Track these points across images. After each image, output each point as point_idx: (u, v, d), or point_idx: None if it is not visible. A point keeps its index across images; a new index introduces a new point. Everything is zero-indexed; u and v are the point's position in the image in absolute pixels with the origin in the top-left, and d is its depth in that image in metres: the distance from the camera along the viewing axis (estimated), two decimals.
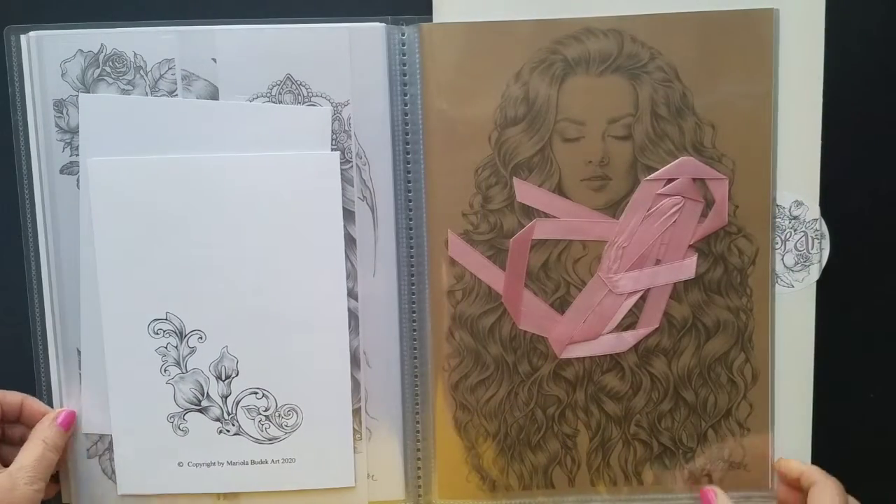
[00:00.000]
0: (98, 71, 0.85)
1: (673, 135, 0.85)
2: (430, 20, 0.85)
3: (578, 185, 0.85)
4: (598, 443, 0.89)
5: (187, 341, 0.88)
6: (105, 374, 0.88)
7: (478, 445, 0.89)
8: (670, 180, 0.85)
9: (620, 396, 0.88)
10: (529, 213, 0.86)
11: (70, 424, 0.87)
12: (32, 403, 0.87)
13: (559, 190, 0.85)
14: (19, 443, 0.86)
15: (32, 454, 0.82)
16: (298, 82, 0.85)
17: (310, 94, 0.85)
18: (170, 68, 0.85)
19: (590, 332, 0.87)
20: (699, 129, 0.84)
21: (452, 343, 0.88)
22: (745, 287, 0.87)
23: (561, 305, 0.87)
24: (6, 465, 0.83)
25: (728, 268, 0.86)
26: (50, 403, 0.89)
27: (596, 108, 0.84)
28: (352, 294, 0.88)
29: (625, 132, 0.84)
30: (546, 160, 0.85)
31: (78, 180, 0.86)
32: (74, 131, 0.85)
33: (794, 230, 0.87)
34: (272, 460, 0.89)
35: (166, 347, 0.87)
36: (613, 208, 0.85)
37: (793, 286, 0.87)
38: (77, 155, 0.85)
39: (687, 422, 0.88)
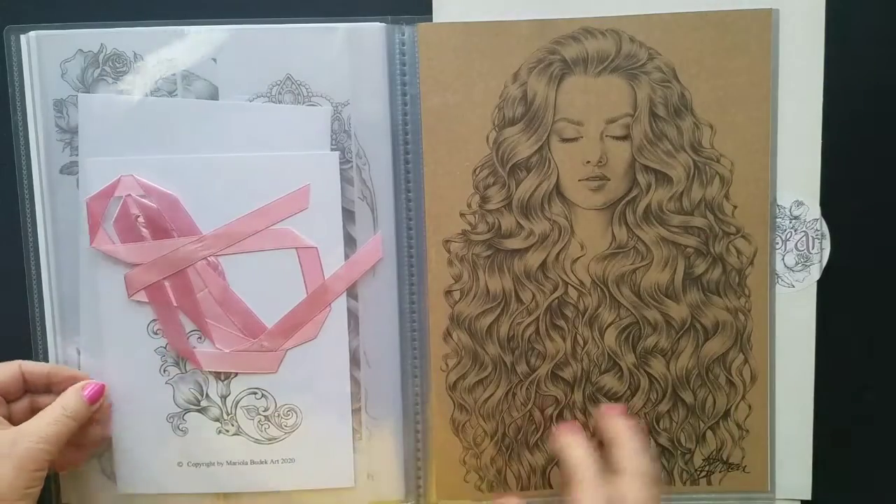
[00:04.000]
0: (98, 71, 0.85)
1: (671, 135, 0.84)
2: (431, 20, 0.85)
3: (577, 185, 0.85)
4: (595, 443, 0.89)
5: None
6: (105, 374, 0.88)
7: (476, 445, 0.89)
8: None
9: (619, 397, 0.88)
10: (528, 214, 0.86)
11: (97, 398, 0.85)
12: (60, 371, 0.86)
13: (557, 190, 0.85)
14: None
15: (48, 416, 0.81)
16: (298, 82, 0.85)
17: (310, 94, 0.85)
18: (170, 68, 0.85)
19: None
20: (697, 129, 0.84)
21: (450, 343, 0.88)
22: (744, 288, 0.86)
23: (559, 306, 0.87)
24: None
25: (726, 268, 0.86)
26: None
27: (594, 108, 0.84)
28: (352, 294, 0.88)
29: (623, 132, 0.84)
30: (544, 160, 0.85)
31: (78, 180, 0.86)
32: (74, 131, 0.85)
33: (795, 230, 0.87)
34: (272, 460, 0.89)
35: (165, 348, 0.87)
36: (612, 208, 0.86)
37: (793, 286, 0.87)
38: (77, 155, 0.85)
39: (685, 423, 0.88)
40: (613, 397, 0.88)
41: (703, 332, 0.87)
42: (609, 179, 0.85)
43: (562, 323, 0.87)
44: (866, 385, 0.90)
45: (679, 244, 0.86)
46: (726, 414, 0.88)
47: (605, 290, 0.87)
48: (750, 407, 0.88)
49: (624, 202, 0.86)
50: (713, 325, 0.87)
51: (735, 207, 0.86)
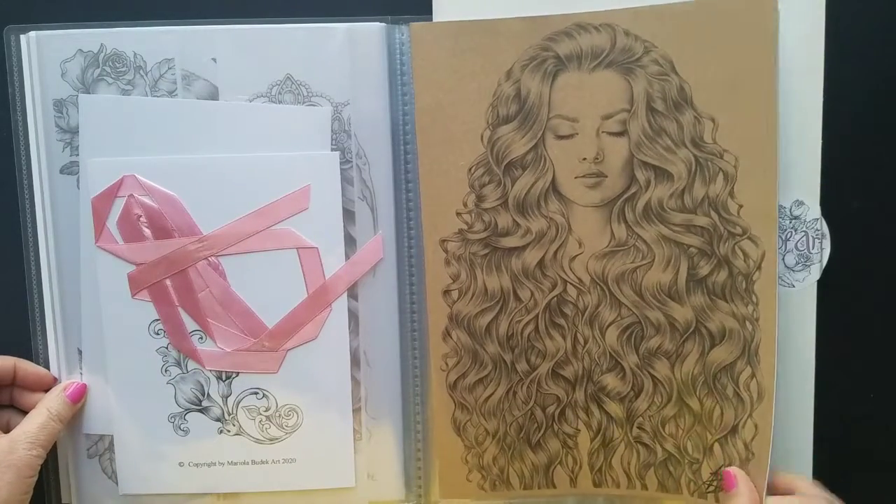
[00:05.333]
0: (98, 71, 0.85)
1: (671, 130, 0.83)
2: (431, 20, 0.85)
3: (573, 182, 0.85)
4: (599, 443, 0.88)
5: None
6: (106, 374, 0.88)
7: (478, 444, 0.89)
8: None
9: (622, 397, 0.87)
10: (524, 212, 0.85)
11: (79, 397, 0.88)
12: (26, 366, 0.88)
13: (554, 187, 0.85)
14: (9, 405, 0.89)
15: (35, 421, 0.84)
16: (298, 82, 0.85)
17: (310, 94, 0.85)
18: (170, 68, 0.85)
19: None
20: (698, 123, 0.83)
21: (449, 342, 0.87)
22: (751, 294, 0.84)
23: (559, 304, 0.87)
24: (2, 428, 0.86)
25: (733, 272, 0.84)
26: None
27: (589, 104, 0.83)
28: (352, 294, 0.88)
29: (620, 128, 0.84)
30: (539, 158, 0.84)
31: (78, 180, 0.86)
32: (74, 131, 0.85)
33: (795, 230, 0.87)
34: (272, 460, 0.89)
35: (167, 348, 0.88)
36: (610, 206, 0.85)
37: (793, 286, 0.87)
38: (77, 155, 0.86)
39: (692, 431, 0.87)
40: (616, 397, 0.88)
41: (709, 338, 0.86)
42: (606, 176, 0.84)
43: (561, 321, 0.87)
44: (866, 385, 0.90)
45: (681, 243, 0.85)
46: (734, 430, 0.86)
47: (604, 288, 0.86)
48: (756, 427, 0.86)
49: (622, 199, 0.85)
50: (719, 331, 0.85)
51: (741, 206, 0.84)
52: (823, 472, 0.88)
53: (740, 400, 0.86)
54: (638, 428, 0.88)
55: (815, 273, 0.87)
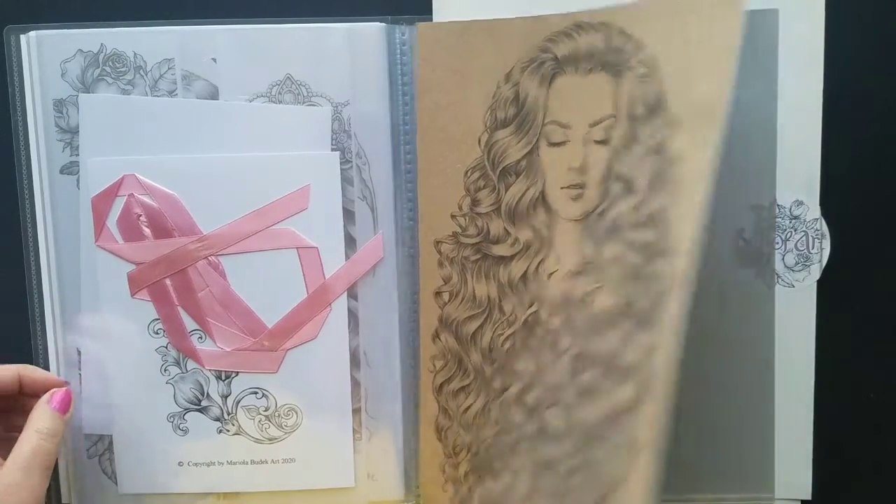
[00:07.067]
0: (98, 71, 0.85)
1: (643, 137, 0.77)
2: (431, 20, 0.85)
3: (558, 192, 0.82)
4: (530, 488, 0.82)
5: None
6: (106, 373, 0.88)
7: (455, 455, 0.88)
8: None
9: (551, 437, 0.80)
10: (514, 220, 0.84)
11: (66, 407, 0.83)
12: (32, 374, 0.85)
13: (542, 197, 0.83)
14: (21, 412, 0.86)
15: (27, 447, 0.79)
16: (298, 82, 0.85)
17: (310, 94, 0.85)
18: (170, 68, 0.85)
19: None
20: (667, 128, 0.76)
21: (438, 344, 0.87)
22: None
23: (534, 323, 0.83)
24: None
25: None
26: None
27: (580, 109, 0.81)
28: (352, 294, 0.88)
29: (603, 136, 0.80)
30: (532, 165, 0.83)
31: (78, 180, 0.86)
32: (74, 131, 0.85)
33: (795, 230, 0.87)
34: (272, 460, 0.89)
35: (166, 347, 0.88)
36: (585, 220, 0.80)
37: (793, 286, 0.87)
38: (77, 155, 0.86)
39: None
40: (548, 438, 0.80)
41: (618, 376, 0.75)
42: (587, 187, 0.80)
43: (533, 342, 0.83)
44: (866, 385, 0.90)
45: (627, 263, 0.76)
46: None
47: (567, 311, 0.80)
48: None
49: (595, 214, 0.79)
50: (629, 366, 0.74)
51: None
52: (823, 473, 0.88)
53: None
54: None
55: (815, 273, 0.87)
